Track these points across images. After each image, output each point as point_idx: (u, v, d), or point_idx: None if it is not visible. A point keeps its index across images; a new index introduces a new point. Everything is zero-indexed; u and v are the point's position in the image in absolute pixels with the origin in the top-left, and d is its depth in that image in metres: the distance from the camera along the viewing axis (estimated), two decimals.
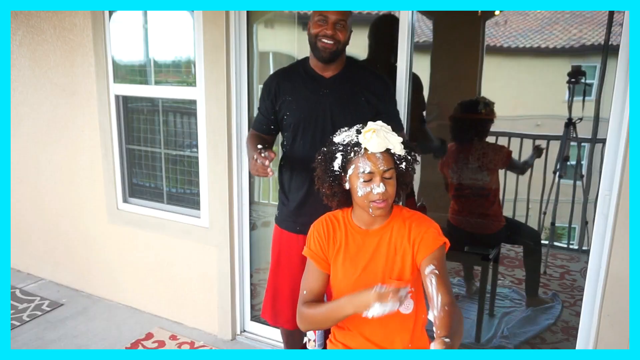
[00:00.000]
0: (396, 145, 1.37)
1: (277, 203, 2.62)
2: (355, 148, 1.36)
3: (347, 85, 1.82)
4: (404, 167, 1.39)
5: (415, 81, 2.65)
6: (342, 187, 1.42)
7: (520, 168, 3.22)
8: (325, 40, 1.73)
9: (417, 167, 1.49)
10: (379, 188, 1.32)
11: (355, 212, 1.46)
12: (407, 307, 1.43)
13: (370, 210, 1.37)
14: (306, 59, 1.90)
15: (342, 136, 1.41)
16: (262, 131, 1.94)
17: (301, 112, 1.82)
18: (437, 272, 1.28)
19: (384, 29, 2.47)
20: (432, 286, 1.26)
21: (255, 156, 1.68)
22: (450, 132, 2.94)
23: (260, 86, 2.72)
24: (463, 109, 2.94)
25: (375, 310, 1.21)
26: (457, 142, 2.94)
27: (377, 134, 1.35)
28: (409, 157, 1.40)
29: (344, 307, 1.32)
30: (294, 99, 1.83)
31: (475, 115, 2.85)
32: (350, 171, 1.37)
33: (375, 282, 1.38)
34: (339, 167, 1.39)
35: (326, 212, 1.55)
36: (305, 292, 1.48)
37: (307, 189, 1.84)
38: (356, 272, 1.43)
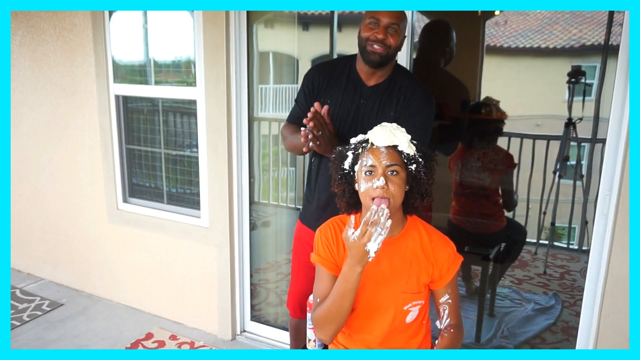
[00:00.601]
0: (403, 142, 1.34)
1: (276, 203, 2.64)
2: (363, 144, 1.37)
3: (383, 97, 1.75)
4: (413, 169, 1.34)
5: (460, 87, 2.70)
6: (351, 187, 1.40)
7: (510, 201, 3.06)
8: (375, 45, 1.65)
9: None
10: (378, 182, 1.29)
11: (363, 216, 1.41)
12: (412, 317, 1.43)
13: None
14: (353, 59, 1.80)
15: (358, 137, 1.41)
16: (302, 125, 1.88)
17: (336, 119, 1.75)
18: (450, 301, 1.43)
19: (437, 33, 2.54)
20: (444, 313, 1.44)
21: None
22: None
23: (261, 86, 2.73)
24: (473, 110, 2.94)
25: (373, 247, 1.22)
26: (463, 143, 2.93)
27: (382, 128, 1.36)
28: (421, 160, 1.36)
29: (347, 273, 1.28)
30: (332, 103, 1.77)
31: (481, 116, 2.86)
32: (357, 167, 1.37)
33: (386, 294, 1.39)
34: (349, 166, 1.39)
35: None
36: (318, 300, 1.45)
37: (330, 193, 1.81)
38: (366, 282, 1.39)
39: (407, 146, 1.34)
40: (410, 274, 1.39)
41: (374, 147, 1.34)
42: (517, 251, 3.06)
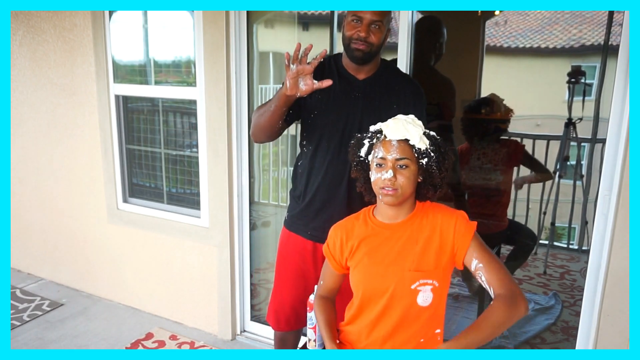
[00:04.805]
0: (415, 136, 1.35)
1: (276, 203, 2.59)
2: (377, 135, 1.40)
3: (380, 89, 1.72)
4: (424, 163, 1.36)
5: (448, 86, 2.68)
6: (366, 174, 1.44)
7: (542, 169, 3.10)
8: (359, 43, 1.63)
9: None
10: (387, 174, 1.33)
11: (378, 205, 1.47)
12: (426, 300, 1.38)
13: (380, 197, 1.38)
14: (339, 56, 1.77)
15: (376, 125, 1.44)
16: None
17: (330, 114, 1.70)
18: (481, 265, 1.33)
19: (427, 30, 2.50)
20: (483, 281, 1.33)
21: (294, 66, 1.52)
22: (462, 132, 2.93)
23: (261, 86, 2.73)
24: (474, 109, 2.93)
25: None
26: (467, 141, 2.93)
27: (395, 121, 1.38)
28: (433, 155, 1.37)
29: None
30: (323, 98, 1.70)
31: (480, 115, 2.85)
32: (370, 157, 1.41)
33: (393, 276, 1.39)
34: (364, 154, 1.43)
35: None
36: (322, 282, 1.56)
37: (324, 196, 1.76)
38: (373, 267, 1.41)
39: (418, 140, 1.36)
40: (416, 252, 1.38)
41: (387, 139, 1.37)
42: (525, 254, 3.06)
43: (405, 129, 1.35)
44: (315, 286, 1.65)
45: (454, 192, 2.89)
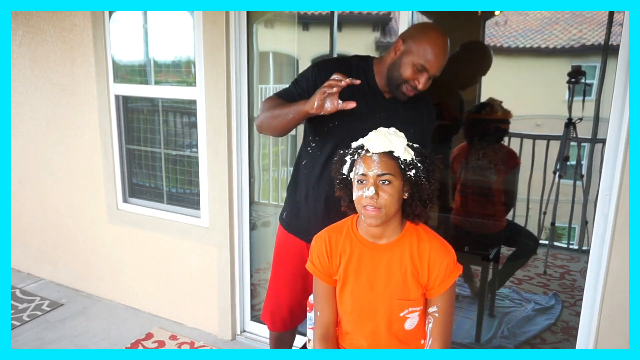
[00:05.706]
0: (399, 147, 1.28)
1: (276, 203, 2.56)
2: (358, 150, 1.34)
3: (402, 111, 1.66)
4: (413, 175, 1.29)
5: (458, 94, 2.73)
6: (350, 191, 1.37)
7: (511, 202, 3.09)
8: (411, 89, 1.58)
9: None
10: (368, 191, 1.26)
11: (360, 221, 1.40)
12: (412, 324, 1.38)
13: (362, 217, 1.31)
14: (369, 63, 1.68)
15: (358, 141, 1.37)
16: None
17: (351, 128, 1.58)
18: (437, 315, 1.35)
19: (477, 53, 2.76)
20: (428, 328, 1.37)
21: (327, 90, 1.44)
22: (463, 132, 2.94)
23: (261, 86, 2.73)
24: (475, 110, 2.94)
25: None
26: (467, 141, 2.93)
27: (377, 133, 1.32)
28: (420, 165, 1.31)
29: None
30: (348, 109, 1.54)
31: (482, 116, 2.86)
32: (352, 174, 1.34)
33: (381, 300, 1.36)
34: (347, 171, 1.36)
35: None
36: (319, 313, 1.45)
37: (328, 204, 1.70)
38: (360, 287, 1.37)
39: (403, 151, 1.29)
40: (406, 280, 1.34)
41: (368, 154, 1.30)
42: (526, 255, 3.06)
43: (388, 140, 1.29)
44: (309, 314, 1.60)
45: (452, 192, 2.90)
